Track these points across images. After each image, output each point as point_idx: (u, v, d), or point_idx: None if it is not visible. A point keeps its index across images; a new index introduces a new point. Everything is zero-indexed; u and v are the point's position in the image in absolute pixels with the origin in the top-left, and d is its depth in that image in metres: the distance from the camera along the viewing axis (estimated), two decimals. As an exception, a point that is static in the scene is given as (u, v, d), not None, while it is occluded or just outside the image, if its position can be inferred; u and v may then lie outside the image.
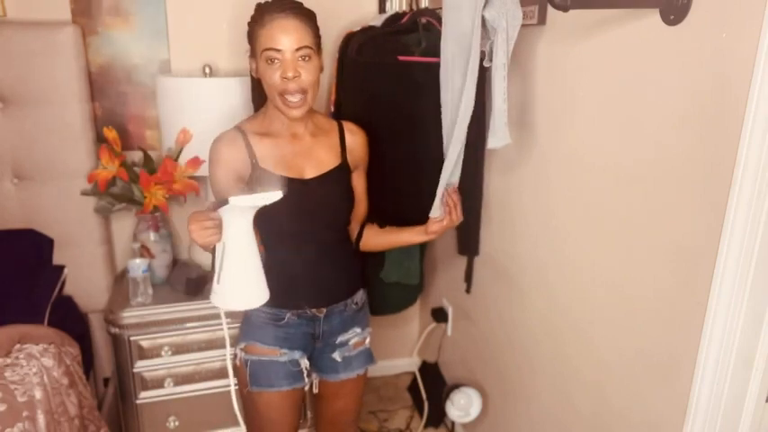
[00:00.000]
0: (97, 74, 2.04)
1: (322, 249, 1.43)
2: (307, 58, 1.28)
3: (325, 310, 1.46)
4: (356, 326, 1.53)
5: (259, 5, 1.31)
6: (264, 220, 1.23)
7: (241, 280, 1.12)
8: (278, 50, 1.25)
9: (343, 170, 1.45)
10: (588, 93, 1.29)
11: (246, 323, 1.46)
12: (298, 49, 1.26)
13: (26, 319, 1.72)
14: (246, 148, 1.34)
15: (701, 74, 0.98)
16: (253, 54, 1.32)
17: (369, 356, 1.58)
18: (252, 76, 1.40)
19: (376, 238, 1.56)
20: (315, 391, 1.47)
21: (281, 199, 1.15)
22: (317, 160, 1.41)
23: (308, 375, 1.48)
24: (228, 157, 1.33)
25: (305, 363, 1.45)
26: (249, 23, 1.31)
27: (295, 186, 1.33)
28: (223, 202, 1.07)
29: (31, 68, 1.86)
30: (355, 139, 1.49)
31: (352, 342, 1.52)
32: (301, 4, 1.32)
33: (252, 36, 1.31)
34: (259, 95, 1.43)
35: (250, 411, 1.48)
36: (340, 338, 1.51)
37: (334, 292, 1.48)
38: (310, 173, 1.39)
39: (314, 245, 1.41)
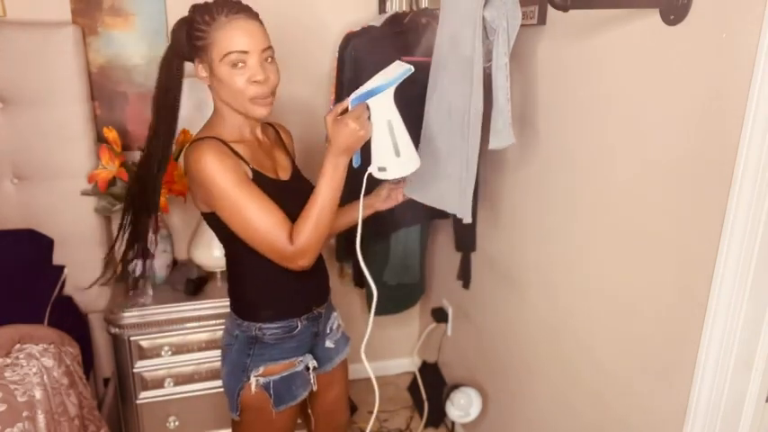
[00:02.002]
0: (97, 74, 2.04)
1: None
2: (270, 60, 1.24)
3: (326, 304, 1.49)
4: (333, 310, 1.57)
5: (202, 6, 1.21)
6: None
7: (412, 144, 1.26)
8: (245, 52, 1.19)
9: (296, 167, 1.46)
10: (588, 93, 1.29)
11: (253, 348, 1.37)
12: (264, 50, 1.22)
13: (26, 319, 1.71)
14: (234, 153, 1.26)
15: (701, 74, 0.98)
16: (201, 59, 1.23)
17: (346, 335, 1.61)
18: (163, 88, 1.29)
19: (336, 222, 1.47)
20: (314, 388, 1.47)
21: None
22: (280, 161, 1.40)
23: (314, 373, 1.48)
24: (233, 160, 1.22)
25: (313, 363, 1.45)
26: (195, 26, 1.21)
27: (281, 189, 1.30)
28: (368, 93, 1.17)
29: (31, 68, 1.86)
30: (288, 137, 1.52)
31: (335, 326, 1.56)
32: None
33: (200, 39, 1.20)
34: (166, 111, 1.31)
35: None
36: (329, 326, 1.53)
37: (328, 284, 1.51)
38: (283, 174, 1.38)
39: None
